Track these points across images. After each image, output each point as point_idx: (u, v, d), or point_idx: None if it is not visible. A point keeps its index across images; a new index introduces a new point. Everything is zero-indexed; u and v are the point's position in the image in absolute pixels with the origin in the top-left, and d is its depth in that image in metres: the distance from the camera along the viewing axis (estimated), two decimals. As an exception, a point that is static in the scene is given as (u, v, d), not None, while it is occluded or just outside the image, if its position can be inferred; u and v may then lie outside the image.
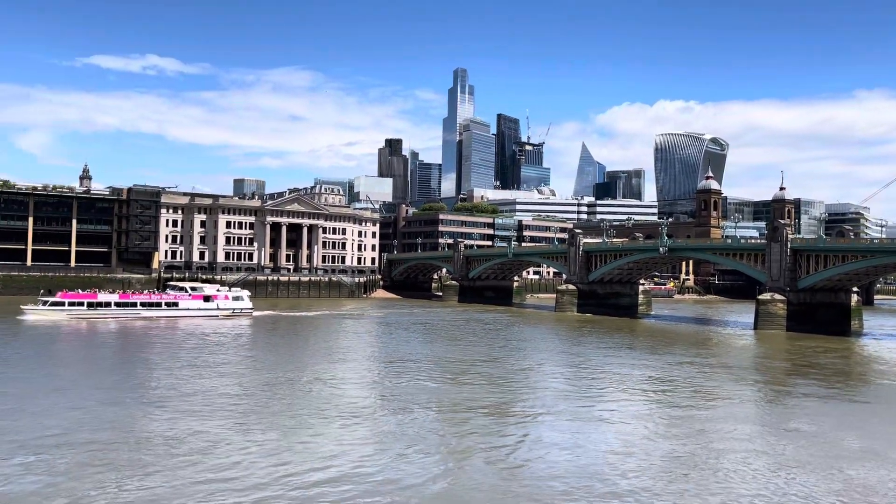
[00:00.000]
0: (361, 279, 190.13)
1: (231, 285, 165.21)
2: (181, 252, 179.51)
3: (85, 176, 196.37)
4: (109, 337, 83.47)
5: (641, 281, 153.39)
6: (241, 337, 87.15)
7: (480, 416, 43.33)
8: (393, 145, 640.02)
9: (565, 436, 38.98)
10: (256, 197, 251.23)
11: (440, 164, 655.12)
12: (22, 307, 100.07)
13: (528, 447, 36.59)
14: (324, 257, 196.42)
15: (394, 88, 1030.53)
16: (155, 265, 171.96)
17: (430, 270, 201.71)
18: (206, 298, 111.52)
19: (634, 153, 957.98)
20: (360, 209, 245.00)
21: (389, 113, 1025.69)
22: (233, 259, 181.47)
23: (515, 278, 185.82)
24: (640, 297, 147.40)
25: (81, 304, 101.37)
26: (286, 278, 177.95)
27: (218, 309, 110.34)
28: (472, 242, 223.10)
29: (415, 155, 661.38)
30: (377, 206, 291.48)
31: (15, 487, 28.48)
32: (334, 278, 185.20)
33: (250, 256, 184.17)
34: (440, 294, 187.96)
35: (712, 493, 29.88)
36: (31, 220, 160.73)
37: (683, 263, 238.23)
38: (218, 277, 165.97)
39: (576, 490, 29.92)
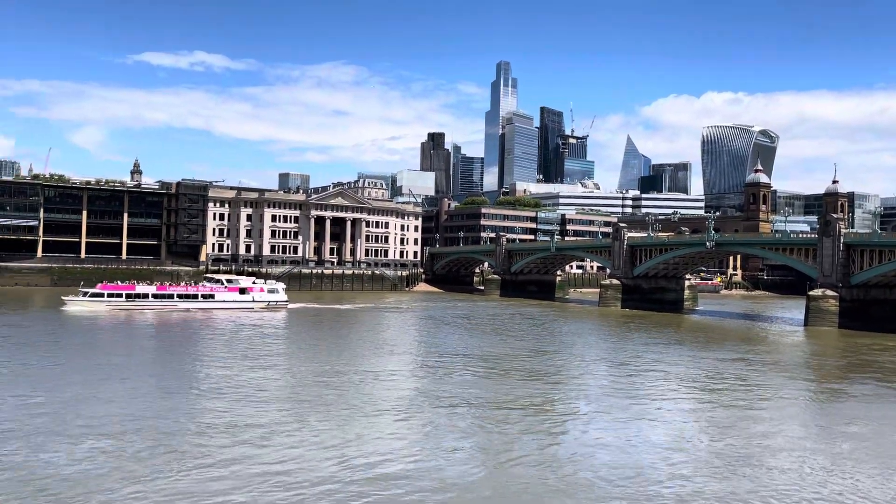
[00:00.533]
0: (404, 272, 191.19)
1: (276, 278, 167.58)
2: (228, 245, 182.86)
3: (136, 170, 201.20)
4: (153, 328, 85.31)
5: (687, 276, 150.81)
6: (285, 329, 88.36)
7: (527, 411, 43.10)
8: (435, 139, 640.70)
9: (613, 433, 38.52)
10: (301, 191, 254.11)
11: (482, 158, 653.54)
12: (63, 298, 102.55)
13: (575, 444, 36.30)
14: (367, 251, 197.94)
15: (437, 82, 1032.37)
16: (203, 258, 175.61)
17: (472, 264, 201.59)
18: (242, 291, 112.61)
19: (681, 146, 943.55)
20: (403, 203, 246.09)
21: (432, 107, 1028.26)
22: (278, 252, 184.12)
23: (558, 273, 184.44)
24: (686, 292, 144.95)
25: (120, 295, 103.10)
26: (330, 271, 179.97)
27: (253, 301, 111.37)
28: (514, 236, 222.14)
29: (457, 149, 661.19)
30: (419, 200, 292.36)
31: (86, 469, 29.59)
32: (377, 271, 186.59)
33: (295, 250, 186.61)
34: (482, 288, 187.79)
35: (766, 494, 29.17)
36: (85, 213, 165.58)
37: (731, 258, 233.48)
38: (264, 270, 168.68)
39: (625, 488, 29.53)
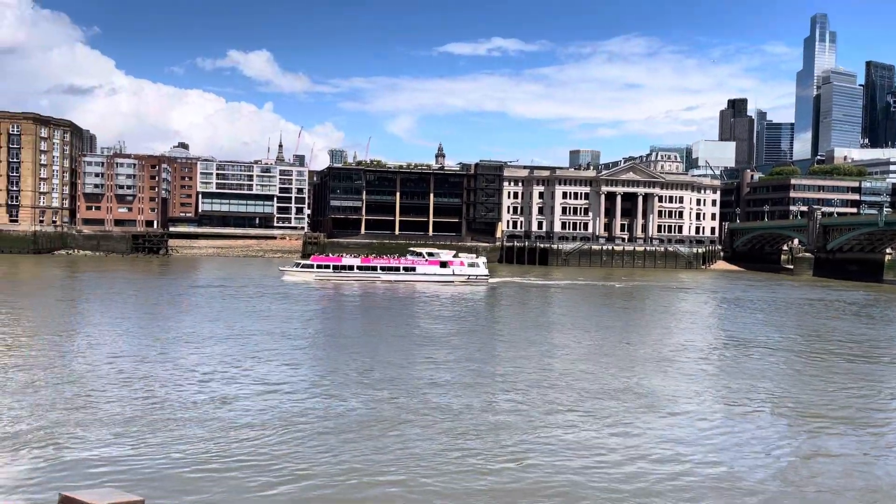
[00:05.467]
0: (699, 250, 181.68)
1: (566, 255, 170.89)
2: (521, 222, 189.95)
3: (439, 154, 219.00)
4: (401, 300, 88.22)
5: None
6: (564, 302, 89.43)
7: (839, 421, 38.60)
8: (736, 106, 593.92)
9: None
10: (591, 167, 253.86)
11: (792, 124, 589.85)
12: (280, 269, 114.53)
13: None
14: (659, 227, 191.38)
15: (738, 45, 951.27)
16: (498, 234, 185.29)
17: (779, 241, 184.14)
18: (443, 264, 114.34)
19: None
20: (699, 176, 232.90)
21: (733, 72, 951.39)
22: (568, 229, 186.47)
23: (888, 251, 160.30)
24: None
25: (328, 266, 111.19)
26: (620, 248, 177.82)
27: (454, 275, 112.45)
28: (830, 209, 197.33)
29: (762, 115, 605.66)
30: (717, 172, 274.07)
31: (503, 419, 33.63)
32: (670, 248, 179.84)
33: (585, 226, 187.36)
34: (790, 267, 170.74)
35: None
36: (397, 194, 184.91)
37: None
38: (555, 247, 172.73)
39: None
